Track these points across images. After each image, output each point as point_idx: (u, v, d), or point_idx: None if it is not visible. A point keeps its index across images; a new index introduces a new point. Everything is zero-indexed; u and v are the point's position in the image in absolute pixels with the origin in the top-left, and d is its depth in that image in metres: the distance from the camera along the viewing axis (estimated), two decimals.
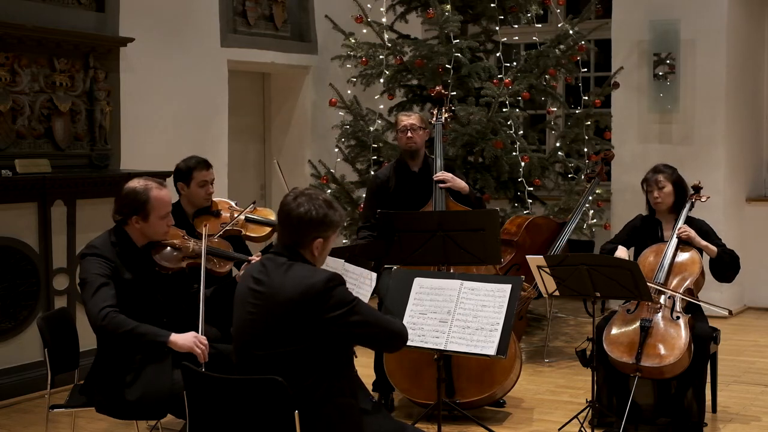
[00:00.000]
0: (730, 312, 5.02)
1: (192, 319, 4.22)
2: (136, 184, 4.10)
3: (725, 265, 5.15)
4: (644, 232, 5.31)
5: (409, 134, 5.60)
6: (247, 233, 4.95)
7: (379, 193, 5.69)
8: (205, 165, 5.02)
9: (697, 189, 5.30)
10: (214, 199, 5.11)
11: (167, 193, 4.15)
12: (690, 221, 5.20)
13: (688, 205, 5.23)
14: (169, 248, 4.21)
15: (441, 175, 5.51)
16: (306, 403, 3.13)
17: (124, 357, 3.97)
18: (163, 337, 3.86)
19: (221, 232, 4.76)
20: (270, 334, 3.21)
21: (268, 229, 4.94)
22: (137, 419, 4.30)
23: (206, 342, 3.91)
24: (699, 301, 5.01)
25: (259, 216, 5.02)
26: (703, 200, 5.29)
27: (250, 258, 4.43)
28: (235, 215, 4.98)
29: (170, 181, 5.09)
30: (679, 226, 5.13)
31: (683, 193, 5.23)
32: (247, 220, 4.99)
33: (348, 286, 3.87)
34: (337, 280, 3.23)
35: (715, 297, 7.37)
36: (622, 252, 5.18)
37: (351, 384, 3.33)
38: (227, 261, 4.46)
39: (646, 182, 5.27)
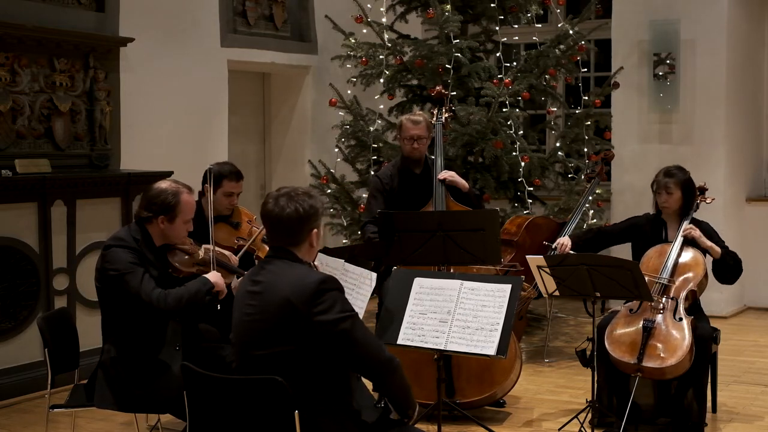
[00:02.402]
0: (672, 281, 4.99)
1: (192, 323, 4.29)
2: (167, 185, 4.15)
3: (728, 268, 5.14)
4: (649, 231, 5.30)
5: (415, 144, 5.60)
6: (260, 254, 4.92)
7: (386, 193, 5.69)
8: (236, 177, 5.00)
9: (702, 190, 5.30)
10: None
11: (194, 199, 4.22)
12: (695, 223, 5.19)
13: (693, 207, 5.22)
14: (182, 253, 4.26)
15: (445, 173, 5.53)
16: (302, 408, 3.11)
17: (135, 352, 4.01)
18: (208, 284, 4.02)
19: (241, 252, 4.76)
20: (266, 333, 3.21)
21: None
22: (145, 412, 4.30)
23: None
24: (649, 275, 4.93)
25: None
26: (708, 201, 5.29)
27: (244, 273, 4.42)
28: (253, 232, 4.96)
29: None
30: (684, 225, 5.12)
31: (691, 198, 5.20)
32: (264, 241, 4.96)
33: (348, 287, 3.87)
34: (332, 284, 3.21)
35: (716, 297, 7.39)
36: (565, 241, 5.36)
37: (351, 392, 3.30)
38: (230, 273, 4.48)
39: (656, 184, 5.24)
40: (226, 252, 4.65)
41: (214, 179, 4.91)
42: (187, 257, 4.26)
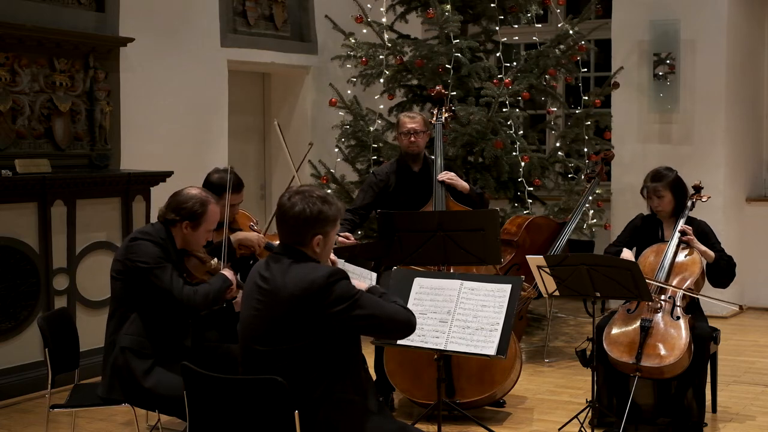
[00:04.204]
0: (741, 307, 5.01)
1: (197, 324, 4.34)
2: (196, 192, 4.21)
3: (720, 272, 5.14)
4: (645, 231, 5.31)
5: (412, 138, 5.61)
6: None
7: (378, 188, 5.70)
8: (238, 189, 4.94)
9: (698, 189, 5.30)
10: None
11: (218, 211, 4.27)
12: (690, 222, 5.20)
13: (688, 206, 5.23)
14: (196, 259, 4.29)
15: (445, 174, 5.53)
16: (308, 399, 3.14)
17: (147, 345, 4.04)
18: (228, 282, 4.14)
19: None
20: (273, 330, 3.23)
21: None
22: (151, 409, 4.30)
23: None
24: (708, 297, 4.99)
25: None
26: (703, 200, 5.29)
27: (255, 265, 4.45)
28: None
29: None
30: (681, 224, 5.13)
31: (683, 197, 5.22)
32: (267, 248, 4.93)
33: None
34: (339, 275, 3.24)
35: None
36: (627, 255, 5.14)
37: (357, 382, 3.32)
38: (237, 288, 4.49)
39: (646, 190, 5.25)
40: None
41: (214, 190, 4.87)
42: (201, 265, 4.30)
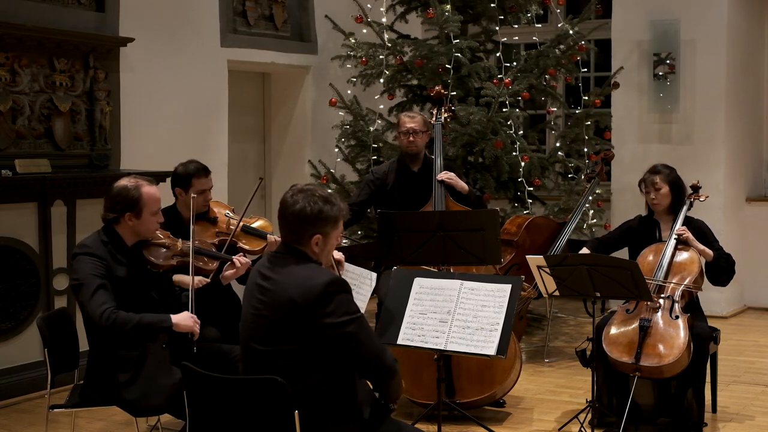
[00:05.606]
0: (667, 282, 5.05)
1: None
2: (126, 182, 4.12)
3: (720, 270, 5.15)
4: (642, 232, 5.31)
5: (411, 138, 5.63)
6: (242, 245, 4.83)
7: (375, 186, 5.72)
8: (205, 172, 4.92)
9: (696, 188, 5.31)
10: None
11: (156, 190, 4.18)
12: (688, 221, 5.21)
13: (686, 205, 5.23)
14: (159, 247, 4.23)
15: (444, 174, 5.53)
16: (303, 404, 3.12)
17: (121, 356, 3.98)
18: (167, 322, 3.96)
19: (225, 245, 4.69)
20: (271, 331, 3.21)
21: (263, 243, 4.83)
22: (139, 416, 4.29)
23: (197, 320, 4.05)
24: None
25: (257, 228, 4.94)
26: (701, 200, 5.30)
27: (232, 258, 4.44)
28: (232, 224, 4.88)
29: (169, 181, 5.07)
30: (677, 227, 5.13)
31: (680, 194, 5.23)
32: (245, 230, 4.91)
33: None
34: (339, 286, 3.20)
35: (715, 297, 7.39)
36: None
37: (353, 390, 3.30)
38: (214, 260, 4.47)
39: (643, 183, 5.28)
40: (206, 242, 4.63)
41: (181, 180, 4.88)
42: (165, 251, 4.24)
